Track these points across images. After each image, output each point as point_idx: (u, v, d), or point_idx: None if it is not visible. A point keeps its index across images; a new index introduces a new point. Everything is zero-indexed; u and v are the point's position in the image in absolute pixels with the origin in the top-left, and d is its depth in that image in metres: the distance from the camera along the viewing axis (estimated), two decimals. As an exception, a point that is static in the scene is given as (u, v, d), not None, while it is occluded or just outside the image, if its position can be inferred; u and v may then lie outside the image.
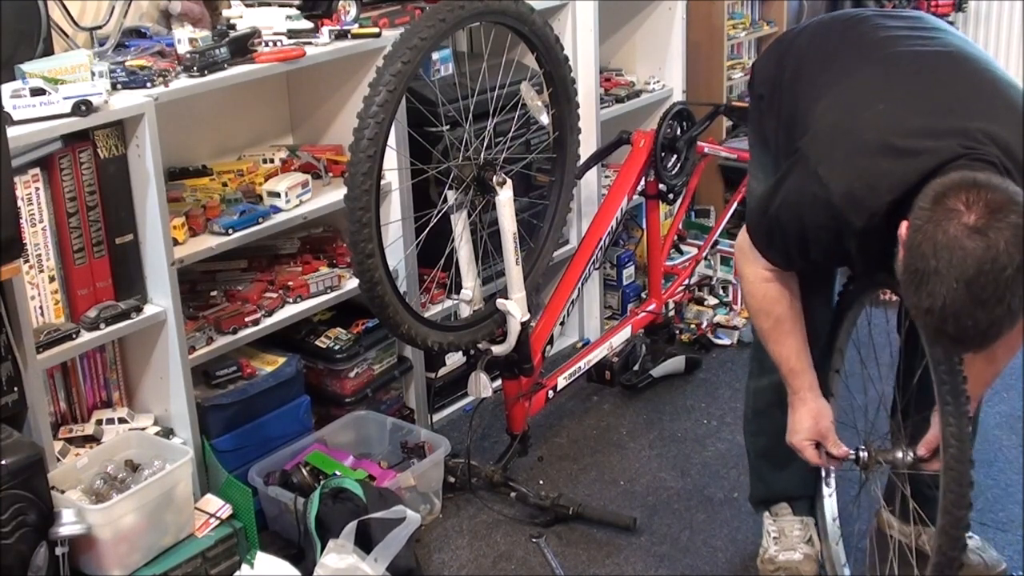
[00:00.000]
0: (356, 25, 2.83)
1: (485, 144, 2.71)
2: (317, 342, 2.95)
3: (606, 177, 3.70)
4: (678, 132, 3.37)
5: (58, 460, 2.40)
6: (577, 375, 3.19)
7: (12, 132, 2.19)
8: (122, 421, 2.59)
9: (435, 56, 3.06)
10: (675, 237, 3.77)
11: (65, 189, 2.39)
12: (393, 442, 2.95)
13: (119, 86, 2.43)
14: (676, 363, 3.51)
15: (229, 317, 2.69)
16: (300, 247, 3.01)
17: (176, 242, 2.56)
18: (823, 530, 2.53)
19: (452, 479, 2.90)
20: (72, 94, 2.27)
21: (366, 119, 2.40)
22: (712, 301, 3.84)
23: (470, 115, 2.75)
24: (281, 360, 2.84)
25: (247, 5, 2.78)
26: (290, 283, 2.84)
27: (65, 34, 2.66)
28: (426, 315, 2.80)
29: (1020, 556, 2.58)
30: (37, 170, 2.36)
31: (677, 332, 3.66)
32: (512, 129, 2.86)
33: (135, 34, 2.75)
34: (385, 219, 2.80)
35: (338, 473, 2.71)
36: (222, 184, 2.87)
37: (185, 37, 2.58)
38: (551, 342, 3.10)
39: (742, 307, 3.75)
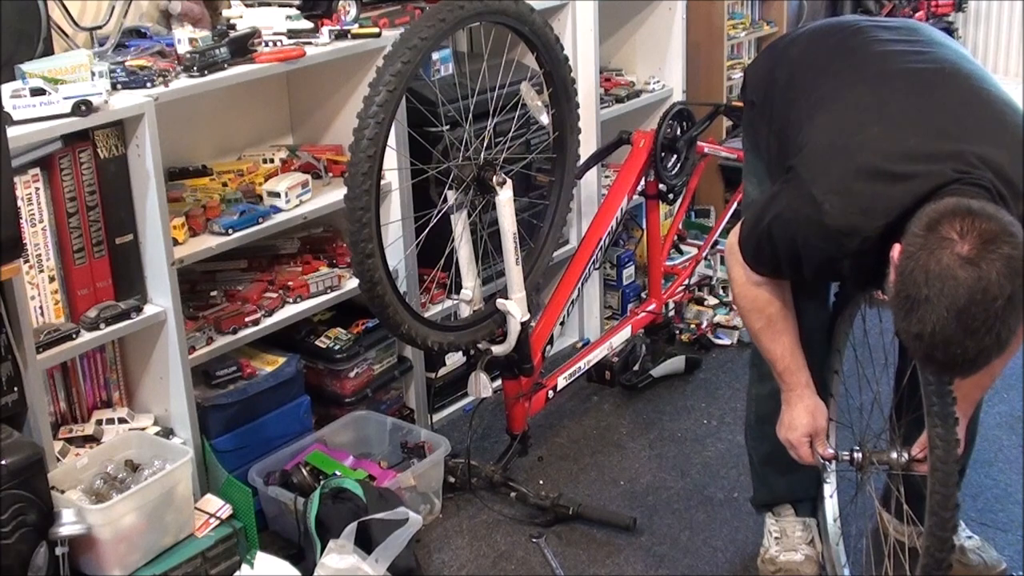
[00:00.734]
0: (356, 25, 2.83)
1: (485, 144, 2.71)
2: (317, 342, 2.95)
3: (606, 177, 3.70)
4: (678, 132, 3.37)
5: (58, 460, 2.40)
6: (577, 375, 3.19)
7: (12, 132, 2.19)
8: (122, 421, 2.59)
9: (435, 56, 3.06)
10: (675, 237, 3.77)
11: (65, 189, 2.39)
12: (393, 442, 2.95)
13: (119, 86, 2.43)
14: (676, 363, 3.51)
15: (229, 317, 2.69)
16: (300, 247, 3.01)
17: (176, 242, 2.56)
18: (824, 531, 2.53)
19: (452, 479, 2.90)
20: (72, 94, 2.27)
21: (366, 119, 2.40)
22: (712, 301, 3.84)
23: (470, 115, 2.75)
24: (281, 360, 2.84)
25: (247, 5, 2.78)
26: (290, 283, 2.84)
27: (65, 34, 2.66)
28: (426, 315, 2.81)
29: (1020, 556, 2.58)
30: (37, 170, 2.36)
31: (677, 332, 3.66)
32: (512, 129, 2.86)
33: (135, 34, 2.75)
34: (385, 219, 2.80)
35: (338, 473, 2.71)
36: (222, 184, 2.87)
37: (185, 37, 2.58)
38: (551, 342, 3.10)
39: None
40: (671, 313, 3.63)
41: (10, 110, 2.23)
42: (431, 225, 2.67)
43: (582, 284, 3.16)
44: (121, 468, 2.42)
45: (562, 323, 3.12)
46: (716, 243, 3.74)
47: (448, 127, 2.81)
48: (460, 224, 2.72)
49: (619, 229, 3.41)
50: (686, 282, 3.64)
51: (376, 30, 2.83)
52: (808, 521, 2.57)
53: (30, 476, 2.14)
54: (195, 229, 2.67)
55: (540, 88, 2.94)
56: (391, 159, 2.72)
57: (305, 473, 2.71)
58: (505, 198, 2.69)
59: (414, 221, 2.90)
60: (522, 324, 2.81)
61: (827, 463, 2.27)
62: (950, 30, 4.82)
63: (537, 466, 3.06)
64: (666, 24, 3.89)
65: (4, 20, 2.38)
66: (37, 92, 2.24)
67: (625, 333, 3.37)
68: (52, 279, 2.42)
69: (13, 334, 2.18)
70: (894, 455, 2.18)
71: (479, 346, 2.86)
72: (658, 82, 3.92)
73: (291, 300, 2.83)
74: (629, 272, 3.85)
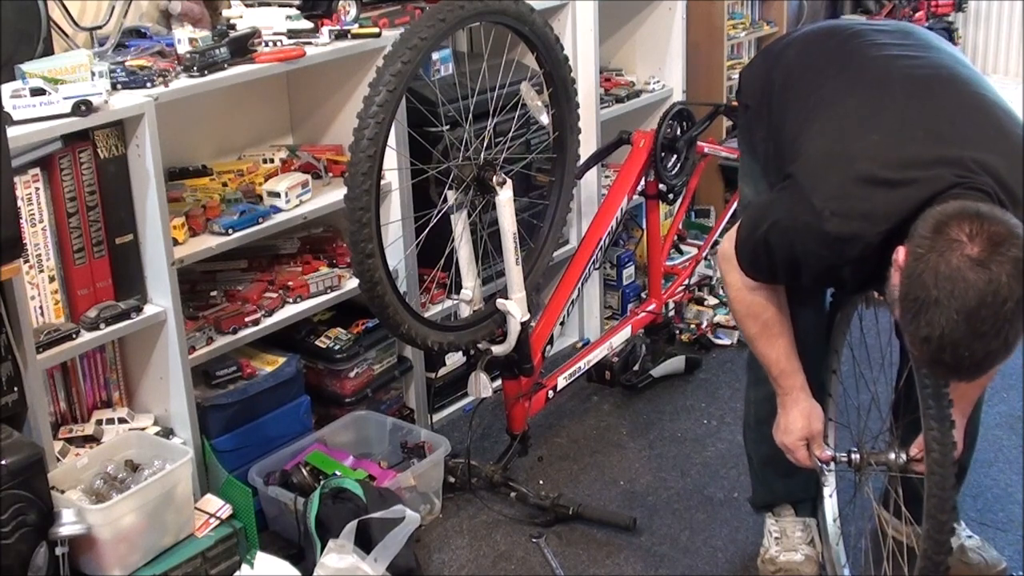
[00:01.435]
0: (356, 25, 2.83)
1: (485, 144, 2.71)
2: (317, 342, 2.95)
3: (606, 177, 3.70)
4: (678, 132, 3.37)
5: (58, 460, 2.40)
6: (577, 375, 3.19)
7: (12, 132, 2.19)
8: (122, 421, 2.59)
9: (435, 56, 3.06)
10: (675, 237, 3.77)
11: (65, 189, 2.39)
12: (393, 442, 2.95)
13: (119, 86, 2.43)
14: (676, 363, 3.51)
15: (229, 317, 2.69)
16: (300, 247, 3.01)
17: (176, 242, 2.56)
18: (823, 531, 2.53)
19: (452, 479, 2.90)
20: (72, 94, 2.27)
21: (366, 119, 2.40)
22: (712, 301, 3.84)
23: (470, 115, 2.75)
24: (281, 360, 2.84)
25: (247, 5, 2.78)
26: (290, 283, 2.84)
27: (65, 34, 2.66)
28: (426, 315, 2.80)
29: (1020, 556, 2.58)
30: (37, 170, 2.36)
31: (677, 332, 3.66)
32: (512, 129, 2.86)
33: (135, 34, 2.75)
34: (385, 219, 2.80)
35: (338, 473, 2.72)
36: (222, 184, 2.87)
37: (185, 37, 2.58)
38: (551, 342, 3.10)
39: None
40: (671, 313, 3.63)
41: (10, 110, 2.23)
42: (431, 225, 2.67)
43: (582, 284, 3.16)
44: (121, 468, 2.42)
45: (562, 323, 3.12)
46: (716, 243, 3.73)
47: (448, 127, 2.81)
48: (460, 224, 2.72)
49: (619, 229, 3.41)
50: (686, 282, 3.64)
51: (376, 30, 2.83)
52: (808, 521, 2.57)
53: (30, 476, 2.14)
54: (195, 229, 2.67)
55: (540, 88, 2.94)
56: (391, 159, 2.72)
57: (305, 473, 2.71)
58: (505, 198, 2.69)
59: (414, 221, 2.90)
60: (522, 324, 2.81)
61: (825, 466, 2.27)
62: (950, 30, 4.81)
63: (537, 466, 3.07)
64: (666, 24, 3.89)
65: (4, 20, 2.38)
66: (37, 92, 2.25)
67: (625, 333, 3.37)
68: (52, 279, 2.42)
69: (13, 334, 2.18)
70: (892, 456, 2.18)
71: (479, 346, 2.86)
72: (658, 82, 3.92)
73: (291, 300, 2.83)
74: (629, 272, 3.85)
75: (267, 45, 2.66)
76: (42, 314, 2.41)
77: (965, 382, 1.94)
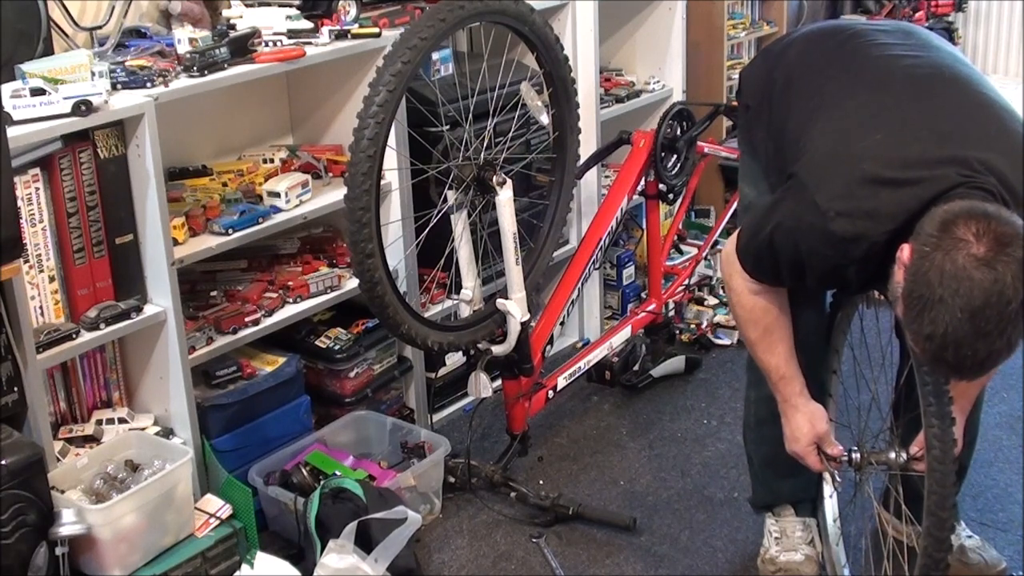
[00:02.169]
0: (356, 25, 2.83)
1: (485, 144, 2.71)
2: (317, 342, 2.95)
3: (606, 177, 3.70)
4: (678, 132, 3.37)
5: (58, 460, 2.40)
6: (577, 375, 3.19)
7: (12, 132, 2.19)
8: (122, 421, 2.59)
9: (435, 56, 3.06)
10: (675, 237, 3.77)
11: (65, 189, 2.39)
12: (393, 442, 2.95)
13: (119, 86, 2.43)
14: (676, 363, 3.51)
15: (229, 317, 2.69)
16: (300, 247, 3.01)
17: (176, 242, 2.56)
18: (824, 531, 2.53)
19: (452, 479, 2.90)
20: (72, 94, 2.27)
21: (366, 119, 2.40)
22: (712, 301, 3.84)
23: (470, 115, 2.75)
24: (281, 360, 2.84)
25: (247, 5, 2.78)
26: (290, 283, 2.84)
27: (65, 34, 2.66)
28: (426, 315, 2.81)
29: (1020, 556, 2.58)
30: (37, 170, 2.36)
31: (677, 332, 3.66)
32: (512, 129, 2.86)
33: (135, 34, 2.75)
34: (385, 219, 2.80)
35: (338, 473, 2.72)
36: (222, 184, 2.87)
37: (185, 37, 2.58)
38: (551, 342, 3.10)
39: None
40: (671, 313, 3.63)
41: (10, 110, 2.23)
42: (431, 225, 2.67)
43: (582, 284, 3.16)
44: (121, 468, 2.42)
45: (562, 323, 3.12)
46: (716, 243, 3.74)
47: (448, 127, 2.81)
48: (460, 224, 2.72)
49: (619, 229, 3.41)
50: (686, 282, 3.64)
51: (376, 30, 2.83)
52: (808, 521, 2.57)
53: (30, 476, 2.14)
54: (195, 229, 2.67)
55: (540, 88, 2.94)
56: (391, 159, 2.72)
57: (305, 473, 2.71)
58: (505, 198, 2.69)
59: (414, 221, 2.90)
60: (522, 324, 2.81)
61: (835, 470, 2.27)
62: (950, 30, 4.81)
63: (537, 466, 3.06)
64: (666, 24, 3.89)
65: (4, 20, 2.38)
66: (37, 92, 2.25)
67: (625, 333, 3.37)
68: (52, 279, 2.42)
69: (13, 334, 2.18)
70: (892, 455, 2.19)
71: (479, 346, 2.86)
72: (658, 82, 3.92)
73: (291, 300, 2.83)
74: (629, 272, 3.85)
75: (267, 45, 2.66)
76: (42, 314, 2.41)
77: (967, 381, 1.94)
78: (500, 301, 2.80)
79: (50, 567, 2.17)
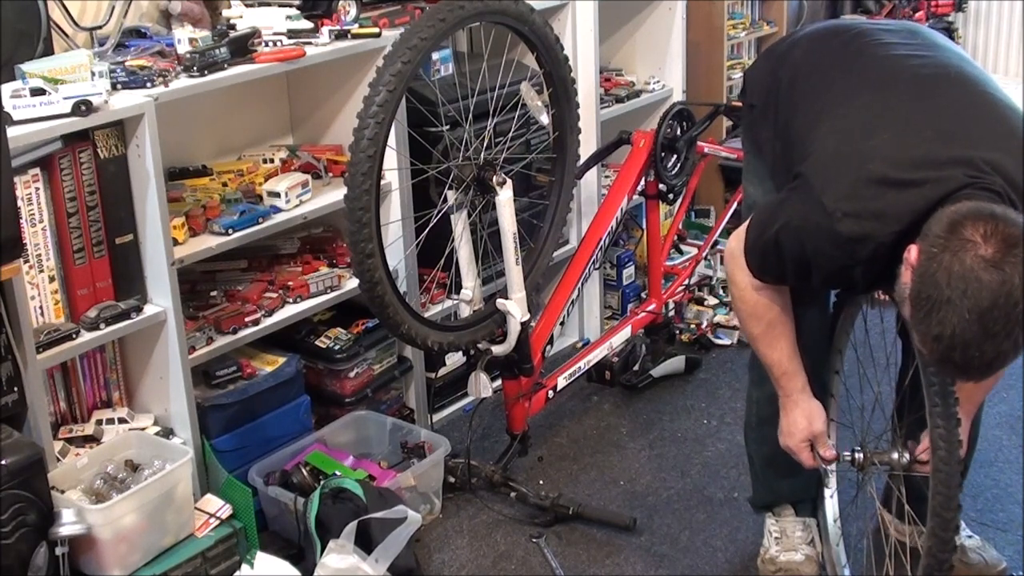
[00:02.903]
0: (356, 25, 2.83)
1: (485, 144, 2.71)
2: (317, 342, 2.95)
3: (606, 177, 3.70)
4: (678, 132, 3.37)
5: (58, 460, 2.40)
6: (577, 375, 3.19)
7: (12, 132, 2.19)
8: (122, 421, 2.59)
9: (435, 56, 3.06)
10: (675, 237, 3.77)
11: (65, 189, 2.39)
12: (393, 442, 2.95)
13: (119, 86, 2.43)
14: (676, 363, 3.51)
15: (229, 317, 2.69)
16: (300, 247, 3.01)
17: (176, 242, 2.56)
18: (824, 531, 2.53)
19: (452, 479, 2.90)
20: (72, 94, 2.27)
21: (366, 119, 2.40)
22: (712, 301, 3.84)
23: (470, 115, 2.75)
24: (281, 360, 2.84)
25: (247, 5, 2.78)
26: (290, 283, 2.84)
27: (65, 34, 2.66)
28: (426, 315, 2.80)
29: (1020, 556, 2.58)
30: (37, 170, 2.36)
31: (677, 332, 3.66)
32: (512, 129, 2.86)
33: (135, 34, 2.75)
34: (385, 219, 2.80)
35: (338, 473, 2.71)
36: (222, 184, 2.87)
37: (185, 37, 2.58)
38: (551, 342, 3.10)
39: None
40: (671, 313, 3.63)
41: (10, 110, 2.23)
42: (431, 225, 2.67)
43: (582, 284, 3.16)
44: (121, 468, 2.42)
45: (562, 323, 3.12)
46: (716, 243, 3.74)
47: (448, 127, 2.81)
48: (460, 224, 2.72)
49: (619, 229, 3.41)
50: (686, 282, 3.64)
51: (376, 30, 2.83)
52: (808, 521, 2.57)
53: (30, 476, 2.14)
54: (195, 229, 2.67)
55: (540, 88, 2.94)
56: (391, 159, 2.72)
57: (305, 473, 2.71)
58: (505, 198, 2.69)
59: (414, 221, 2.90)
60: (522, 324, 2.81)
61: (828, 468, 2.27)
62: (950, 30, 4.81)
63: (537, 466, 3.06)
64: (666, 24, 3.89)
65: (4, 20, 2.38)
66: (37, 92, 2.24)
67: (625, 333, 3.37)
68: (52, 279, 2.42)
69: (13, 334, 2.18)
70: (895, 456, 2.18)
71: (479, 346, 2.86)
72: (658, 82, 3.92)
73: (291, 300, 2.83)
74: (629, 272, 3.85)
75: (267, 45, 2.66)
76: (42, 314, 2.41)
77: (973, 382, 1.93)
78: (500, 301, 2.80)
79: (50, 567, 2.17)
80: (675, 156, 3.38)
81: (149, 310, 2.52)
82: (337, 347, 2.94)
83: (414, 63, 2.44)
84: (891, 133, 1.97)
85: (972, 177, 1.85)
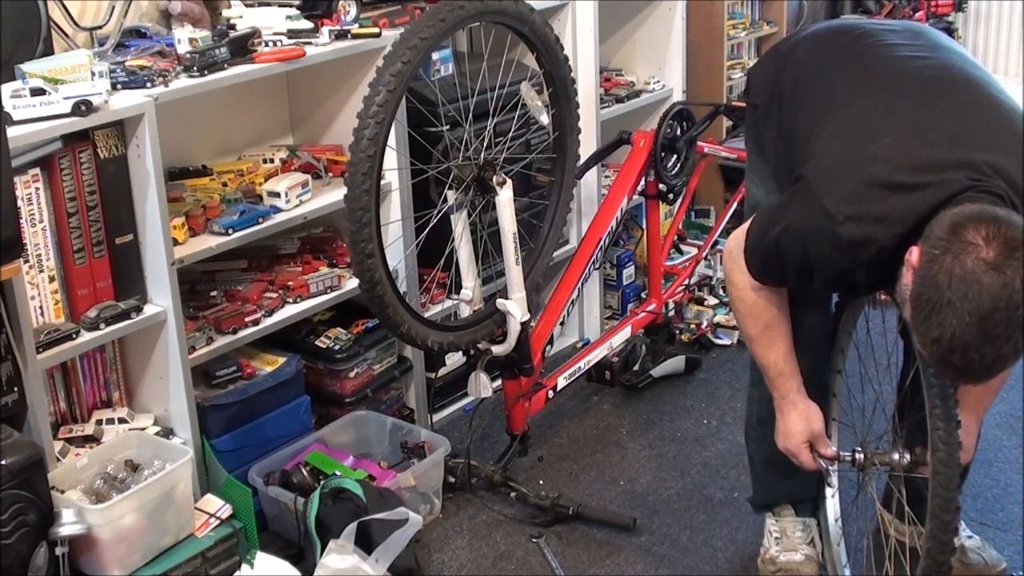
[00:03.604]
0: (356, 25, 2.83)
1: (485, 144, 2.71)
2: (317, 342, 2.95)
3: (606, 177, 3.70)
4: (678, 132, 3.37)
5: (58, 460, 2.40)
6: (577, 375, 3.19)
7: (12, 132, 2.19)
8: (122, 421, 2.59)
9: (435, 56, 3.06)
10: (675, 237, 3.77)
11: (65, 189, 2.39)
12: (393, 442, 2.95)
13: (119, 86, 2.43)
14: (676, 363, 3.51)
15: (229, 317, 2.69)
16: (300, 247, 3.01)
17: (176, 242, 2.56)
18: (825, 531, 2.53)
19: (452, 479, 2.90)
20: (72, 94, 2.27)
21: (366, 119, 2.40)
22: (712, 301, 3.84)
23: (470, 115, 2.75)
24: (281, 360, 2.84)
25: (247, 5, 2.78)
26: (290, 283, 2.84)
27: (65, 34, 2.66)
28: (426, 315, 2.80)
29: (1020, 556, 2.58)
30: (37, 170, 2.36)
31: (677, 332, 3.66)
32: (512, 129, 2.86)
33: (135, 34, 2.75)
34: (385, 219, 2.80)
35: (338, 473, 2.71)
36: (222, 184, 2.87)
37: (185, 37, 2.58)
38: (551, 342, 3.10)
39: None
40: (671, 313, 3.63)
41: (10, 110, 2.23)
42: (431, 225, 2.67)
43: (582, 284, 3.16)
44: (121, 468, 2.42)
45: (562, 323, 3.12)
46: (716, 243, 3.74)
47: (448, 127, 2.81)
48: (460, 224, 2.72)
49: (619, 229, 3.41)
50: (686, 282, 3.64)
51: (376, 30, 2.83)
52: (808, 521, 2.57)
53: (30, 476, 2.14)
54: (195, 229, 2.67)
55: (540, 88, 2.94)
56: (391, 159, 2.72)
57: (305, 473, 2.71)
58: (505, 198, 2.69)
59: (414, 221, 2.90)
60: (522, 324, 2.81)
61: (830, 467, 2.26)
62: (950, 30, 4.81)
63: (537, 466, 3.06)
64: (666, 24, 3.89)
65: (4, 20, 2.38)
66: (37, 92, 2.24)
67: (625, 333, 3.37)
68: (52, 279, 2.42)
69: (13, 334, 2.18)
70: (896, 456, 2.18)
71: (479, 346, 2.86)
72: (658, 82, 3.92)
73: (291, 300, 2.83)
74: (629, 272, 3.85)
75: (267, 45, 2.66)
76: (42, 314, 2.41)
77: (972, 384, 1.93)
78: (500, 301, 2.80)
79: (50, 567, 2.17)
80: (675, 156, 3.38)
81: (149, 310, 2.52)
82: (337, 347, 2.94)
83: (414, 63, 2.44)
84: (893, 136, 1.96)
85: (974, 180, 1.85)
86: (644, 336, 3.45)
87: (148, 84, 2.44)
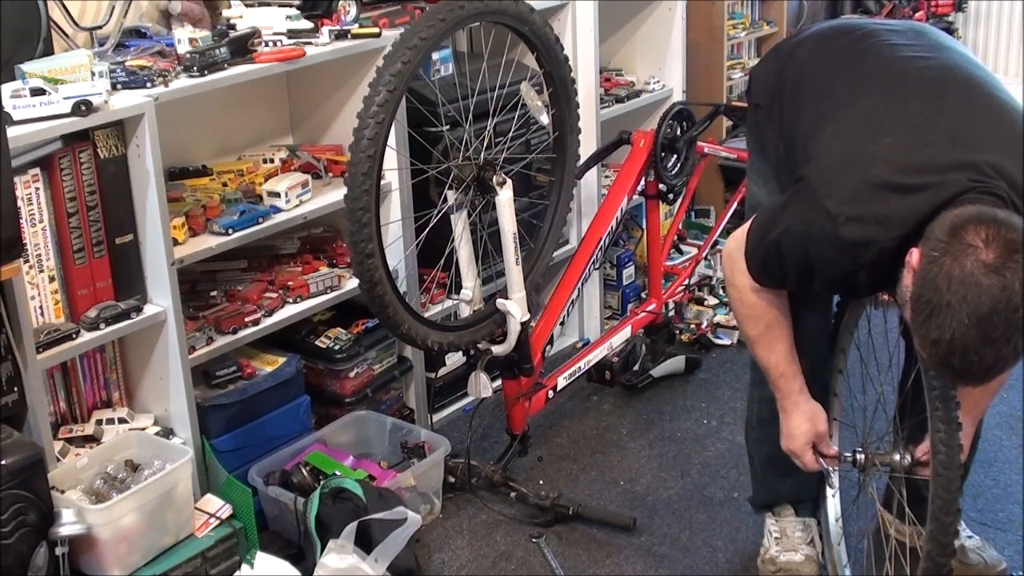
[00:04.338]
0: (356, 25, 2.83)
1: (485, 144, 2.71)
2: (317, 342, 2.95)
3: (606, 177, 3.70)
4: (678, 132, 3.37)
5: (58, 460, 2.40)
6: (577, 375, 3.19)
7: (12, 132, 2.19)
8: (122, 421, 2.59)
9: (435, 56, 3.06)
10: (675, 237, 3.77)
11: (65, 189, 2.39)
12: (393, 442, 2.95)
13: (119, 86, 2.43)
14: (676, 363, 3.51)
15: (229, 317, 2.69)
16: (300, 247, 3.01)
17: (176, 242, 2.56)
18: (825, 531, 2.53)
19: (452, 479, 2.90)
20: (72, 94, 2.27)
21: (366, 119, 2.40)
22: (712, 301, 3.84)
23: (470, 115, 2.75)
24: (281, 360, 2.84)
25: (247, 5, 2.78)
26: (290, 283, 2.84)
27: (65, 34, 2.66)
28: (426, 315, 2.80)
29: (1020, 556, 2.58)
30: (37, 170, 2.36)
31: (677, 332, 3.66)
32: (512, 129, 2.86)
33: (135, 34, 2.75)
34: (385, 219, 2.80)
35: (338, 473, 2.71)
36: (222, 184, 2.87)
37: (185, 37, 2.58)
38: (551, 342, 3.10)
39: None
40: (671, 313, 3.63)
41: (10, 110, 2.23)
42: (431, 225, 2.67)
43: (582, 284, 3.16)
44: (121, 468, 2.42)
45: (562, 323, 3.12)
46: (716, 243, 3.74)
47: (448, 127, 2.81)
48: (460, 224, 2.72)
49: (619, 229, 3.41)
50: (686, 282, 3.64)
51: (376, 30, 2.83)
52: (808, 521, 2.57)
53: (30, 476, 2.14)
54: (195, 229, 2.67)
55: (540, 88, 2.94)
56: (391, 159, 2.72)
57: (305, 473, 2.71)
58: (505, 198, 2.69)
59: (414, 221, 2.90)
60: (522, 324, 2.81)
61: (832, 469, 2.26)
62: (950, 30, 4.81)
63: (537, 466, 3.06)
64: (666, 24, 3.89)
65: (4, 20, 2.38)
66: (37, 92, 2.24)
67: (625, 333, 3.37)
68: (52, 279, 2.42)
69: (13, 334, 2.18)
70: (896, 457, 2.18)
71: (479, 346, 2.86)
72: (658, 82, 3.92)
73: (291, 300, 2.83)
74: (629, 272, 3.85)
75: (267, 45, 2.66)
76: (42, 314, 2.41)
77: (971, 386, 1.93)
78: (500, 301, 2.80)
79: (50, 567, 2.17)
80: (675, 156, 3.38)
81: (149, 310, 2.52)
82: (337, 347, 2.94)
83: (414, 63, 2.44)
84: (895, 137, 1.96)
85: (975, 181, 1.85)
86: (644, 336, 3.45)
87: (148, 84, 2.44)
